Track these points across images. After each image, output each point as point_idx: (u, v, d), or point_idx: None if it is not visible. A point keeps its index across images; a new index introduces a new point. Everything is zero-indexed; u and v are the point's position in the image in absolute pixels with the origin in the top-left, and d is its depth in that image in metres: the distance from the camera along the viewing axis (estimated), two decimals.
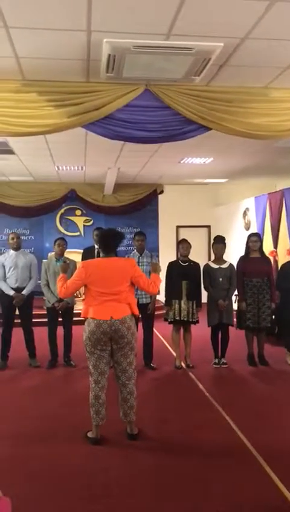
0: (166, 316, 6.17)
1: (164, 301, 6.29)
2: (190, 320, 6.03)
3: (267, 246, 8.46)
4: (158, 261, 6.22)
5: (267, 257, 6.60)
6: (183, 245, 6.20)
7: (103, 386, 3.81)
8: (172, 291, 6.06)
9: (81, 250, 7.97)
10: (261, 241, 6.38)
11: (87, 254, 6.51)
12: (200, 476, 3.29)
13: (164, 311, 6.28)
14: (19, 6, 3.16)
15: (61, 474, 3.31)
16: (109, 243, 3.94)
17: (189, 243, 6.21)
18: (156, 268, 4.31)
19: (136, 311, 3.95)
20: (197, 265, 6.19)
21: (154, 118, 4.49)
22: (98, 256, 6.22)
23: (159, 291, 5.96)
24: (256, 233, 6.85)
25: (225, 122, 4.49)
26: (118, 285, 3.79)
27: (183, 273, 6.04)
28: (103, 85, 4.39)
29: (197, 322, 6.08)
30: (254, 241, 6.28)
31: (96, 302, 3.78)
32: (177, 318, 6.02)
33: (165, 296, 6.16)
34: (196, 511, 2.87)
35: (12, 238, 6.26)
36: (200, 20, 3.36)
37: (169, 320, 6.13)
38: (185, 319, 6.01)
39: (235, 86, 4.54)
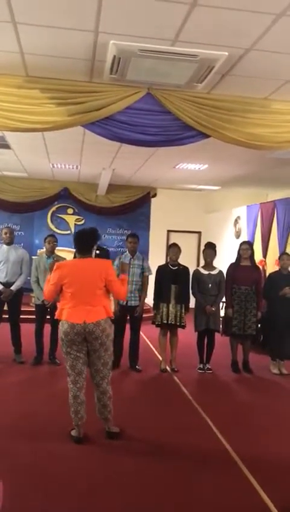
0: (154, 319, 6.18)
1: (152, 304, 6.31)
2: (177, 324, 6.06)
3: (257, 255, 8.46)
4: (148, 264, 6.23)
5: (257, 266, 6.67)
6: (173, 249, 6.23)
7: (81, 386, 3.79)
8: (161, 295, 6.08)
9: (71, 249, 8.00)
10: (252, 249, 6.44)
11: None
12: (181, 478, 3.31)
13: (152, 315, 6.30)
14: (28, 2, 3.17)
15: (42, 472, 3.30)
16: (84, 243, 3.88)
17: (179, 248, 6.24)
18: (124, 269, 4.30)
19: (111, 314, 3.91)
20: (186, 269, 6.22)
21: (155, 122, 4.51)
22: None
23: (146, 294, 6.03)
24: (248, 241, 6.92)
25: (224, 131, 4.52)
26: (92, 288, 3.74)
27: (172, 277, 6.07)
28: (106, 86, 4.41)
29: (185, 326, 6.11)
30: (245, 249, 6.34)
31: (70, 305, 3.73)
32: (165, 321, 6.04)
33: (154, 300, 6.18)
34: None
35: (6, 233, 6.23)
36: (207, 28, 3.40)
37: (157, 323, 6.15)
38: (173, 323, 6.04)
39: (236, 96, 4.58)
